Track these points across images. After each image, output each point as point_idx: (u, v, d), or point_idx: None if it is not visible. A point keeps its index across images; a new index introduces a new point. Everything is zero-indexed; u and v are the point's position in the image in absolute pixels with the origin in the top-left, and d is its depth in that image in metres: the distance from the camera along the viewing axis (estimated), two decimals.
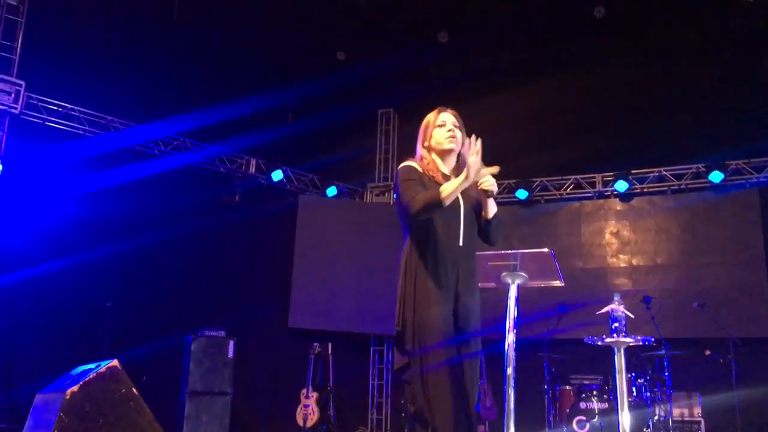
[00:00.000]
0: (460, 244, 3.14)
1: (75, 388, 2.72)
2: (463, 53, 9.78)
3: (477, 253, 3.55)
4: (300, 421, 8.54)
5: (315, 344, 8.95)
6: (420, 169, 3.26)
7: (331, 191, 10.41)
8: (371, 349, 10.49)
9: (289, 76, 9.96)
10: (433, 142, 3.32)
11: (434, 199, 3.04)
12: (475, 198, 3.28)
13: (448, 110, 3.39)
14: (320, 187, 10.45)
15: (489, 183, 3.12)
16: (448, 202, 3.06)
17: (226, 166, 9.65)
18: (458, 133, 3.31)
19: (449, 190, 3.03)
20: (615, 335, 3.42)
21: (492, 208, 3.21)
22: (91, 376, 2.77)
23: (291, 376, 9.06)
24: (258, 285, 9.60)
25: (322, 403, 8.67)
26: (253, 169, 9.82)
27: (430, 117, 3.38)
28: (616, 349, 3.49)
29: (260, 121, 9.18)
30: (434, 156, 3.31)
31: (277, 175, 9.91)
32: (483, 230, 3.27)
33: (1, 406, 7.28)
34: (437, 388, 2.99)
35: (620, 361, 3.48)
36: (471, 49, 9.72)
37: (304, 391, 8.69)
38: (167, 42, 8.89)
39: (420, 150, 3.38)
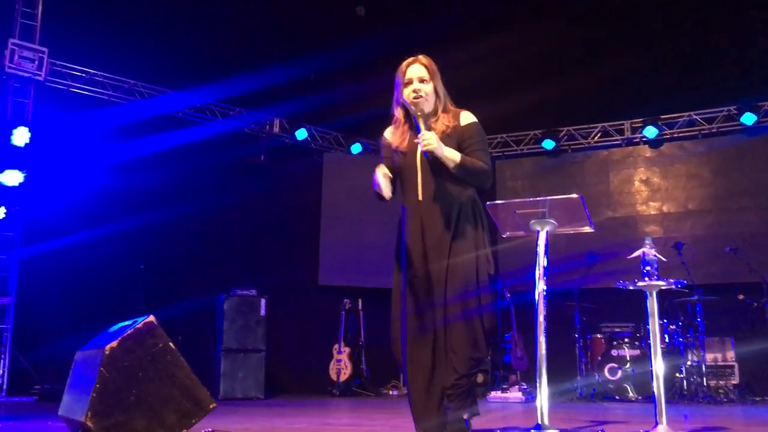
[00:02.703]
0: (420, 198, 3.11)
1: (114, 343, 2.78)
2: (487, 3, 9.57)
3: (502, 201, 3.51)
4: (333, 376, 8.69)
5: (345, 300, 9.06)
6: (390, 138, 3.24)
7: (356, 148, 10.39)
8: None
9: (311, 34, 9.86)
10: (404, 101, 3.17)
11: (376, 194, 3.16)
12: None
13: (419, 59, 3.19)
14: (345, 144, 10.42)
15: (424, 143, 2.97)
16: (385, 195, 3.10)
17: (251, 127, 9.66)
18: (426, 88, 3.14)
19: (375, 181, 3.10)
20: (647, 279, 3.39)
21: (450, 160, 3.04)
22: (129, 332, 2.82)
23: (322, 333, 9.19)
24: (287, 244, 9.69)
25: (354, 358, 8.81)
26: (277, 129, 9.82)
27: (398, 72, 3.21)
28: (648, 293, 3.46)
29: (284, 82, 9.13)
30: (411, 115, 3.14)
31: (302, 134, 9.90)
32: (458, 179, 3.14)
33: (33, 370, 7.50)
34: (400, 357, 3.07)
35: (653, 305, 3.46)
36: (492, 1, 9.52)
37: (336, 346, 8.83)
38: (186, 7, 8.84)
39: (395, 110, 3.27)
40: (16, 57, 7.68)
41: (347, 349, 8.79)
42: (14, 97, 7.83)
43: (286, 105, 9.53)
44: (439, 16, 9.56)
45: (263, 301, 8.08)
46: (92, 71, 8.33)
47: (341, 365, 8.71)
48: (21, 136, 7.53)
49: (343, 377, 8.65)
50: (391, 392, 9.20)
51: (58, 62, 8.08)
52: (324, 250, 9.83)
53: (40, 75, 7.84)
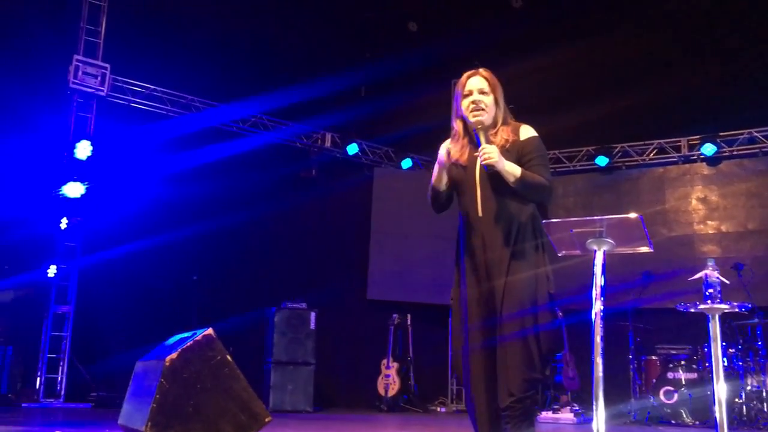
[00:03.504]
0: (480, 214, 3.05)
1: (174, 355, 2.83)
2: (538, 19, 9.52)
3: (558, 220, 3.45)
4: (381, 391, 8.67)
5: (394, 315, 9.05)
6: (449, 150, 3.13)
7: (406, 163, 10.41)
8: (449, 320, 10.49)
9: (362, 49, 9.96)
10: (463, 113, 3.12)
11: (430, 190, 3.16)
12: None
13: (479, 72, 3.12)
14: (395, 159, 10.46)
15: (485, 157, 2.91)
16: (441, 186, 3.11)
17: (302, 141, 9.78)
18: (486, 100, 3.07)
19: (433, 174, 3.12)
20: (709, 302, 3.29)
21: (510, 174, 2.95)
22: (189, 344, 2.87)
23: (371, 347, 9.20)
24: (337, 258, 9.75)
25: (402, 374, 8.78)
26: (328, 144, 9.92)
27: (458, 84, 3.15)
28: (710, 316, 3.35)
29: (335, 96, 9.24)
30: (470, 128, 3.09)
31: (353, 149, 9.98)
32: (518, 194, 3.07)
33: (90, 378, 7.70)
34: (461, 374, 3.09)
35: (715, 328, 3.35)
36: (546, 15, 9.46)
37: (384, 361, 8.81)
38: (240, 23, 9.04)
39: (454, 123, 3.20)
40: (80, 73, 7.96)
41: (395, 365, 8.76)
42: (78, 111, 8.10)
43: (337, 120, 9.63)
44: (490, 31, 9.54)
45: (313, 315, 8.13)
46: (152, 87, 8.57)
47: (389, 380, 8.69)
48: (83, 150, 7.78)
49: (391, 392, 8.63)
50: (438, 409, 9.14)
51: (119, 78, 8.33)
52: (373, 264, 9.85)
53: (102, 90, 8.10)
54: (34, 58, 7.75)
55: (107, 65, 8.12)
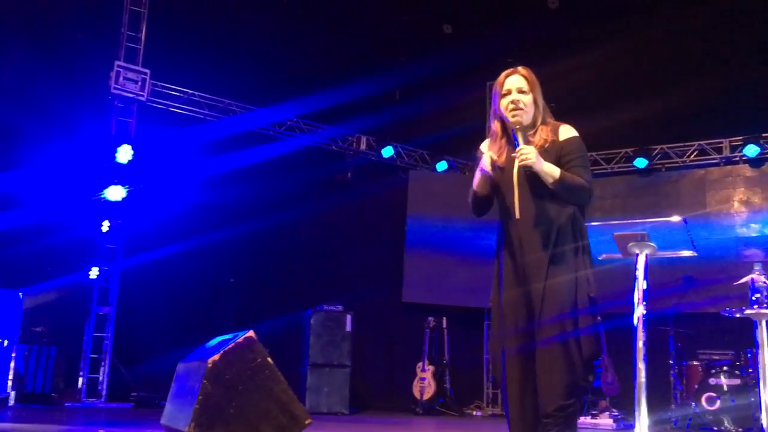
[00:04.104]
0: (517, 216, 2.99)
1: (216, 357, 2.87)
2: (574, 20, 9.43)
3: (599, 223, 3.41)
4: (417, 394, 8.66)
5: (430, 318, 9.02)
6: (492, 159, 3.05)
7: (442, 166, 10.38)
8: (485, 323, 10.43)
9: (397, 52, 9.97)
10: (502, 113, 3.06)
11: (471, 195, 3.13)
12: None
13: (518, 71, 3.05)
14: (430, 162, 10.44)
15: (522, 158, 2.86)
16: (482, 192, 3.09)
17: (338, 144, 9.83)
18: (525, 99, 3.01)
19: (474, 179, 3.09)
20: (756, 306, 3.22)
21: (549, 176, 2.90)
22: (230, 346, 2.91)
23: (407, 350, 9.19)
24: (372, 260, 9.76)
25: (438, 377, 8.75)
26: (363, 147, 9.95)
27: (496, 83, 3.08)
28: (757, 321, 3.29)
29: (369, 99, 9.27)
30: (509, 128, 3.05)
31: (388, 152, 9.99)
32: (557, 196, 3.01)
33: (130, 378, 7.83)
34: (499, 378, 3.08)
35: (762, 334, 3.29)
36: (581, 16, 9.36)
37: (419, 364, 8.79)
38: (278, 26, 9.13)
39: (492, 123, 3.15)
40: (121, 78, 8.11)
41: (431, 368, 8.74)
42: (118, 116, 8.26)
43: (372, 123, 9.65)
44: (526, 32, 9.48)
45: (349, 317, 8.16)
46: (190, 91, 8.69)
47: (425, 383, 8.67)
48: (124, 154, 7.93)
49: (426, 396, 8.61)
50: (474, 413, 9.09)
51: (159, 83, 8.47)
52: (408, 267, 9.84)
53: (142, 95, 8.24)
54: (77, 64, 7.93)
55: (147, 71, 8.26)
